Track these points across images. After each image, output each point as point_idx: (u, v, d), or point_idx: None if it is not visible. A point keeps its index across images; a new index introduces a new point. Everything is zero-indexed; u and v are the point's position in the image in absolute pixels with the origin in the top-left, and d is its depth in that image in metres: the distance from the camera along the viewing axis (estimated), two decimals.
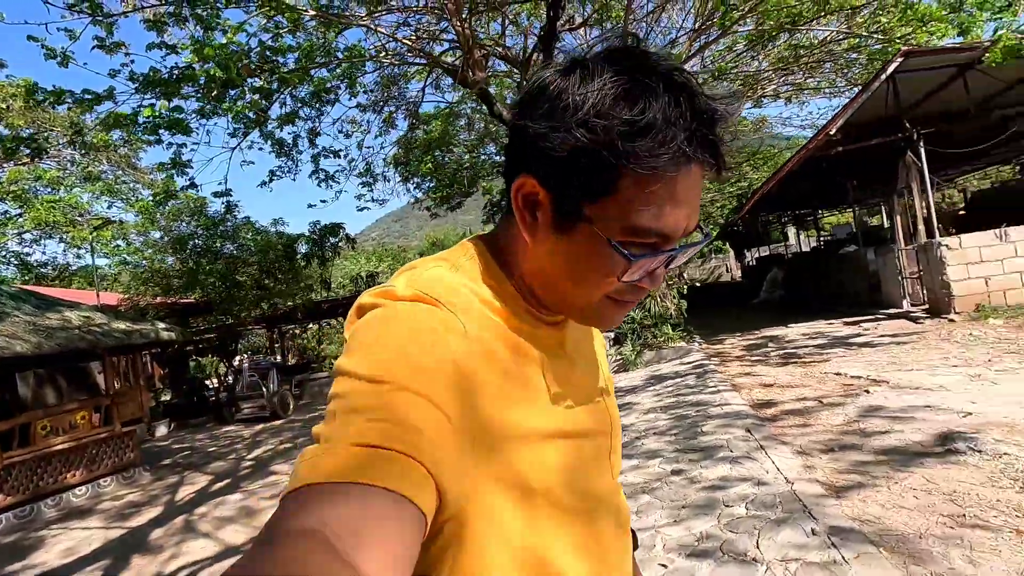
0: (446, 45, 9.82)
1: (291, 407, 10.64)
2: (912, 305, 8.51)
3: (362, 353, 0.47)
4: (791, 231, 22.96)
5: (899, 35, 7.95)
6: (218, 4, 5.83)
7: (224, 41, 5.85)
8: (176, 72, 6.01)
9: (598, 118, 0.47)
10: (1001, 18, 5.87)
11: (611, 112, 0.47)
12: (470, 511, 0.48)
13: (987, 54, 6.04)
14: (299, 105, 9.22)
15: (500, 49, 9.70)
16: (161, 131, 6.36)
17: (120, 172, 16.80)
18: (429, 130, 12.28)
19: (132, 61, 6.65)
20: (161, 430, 10.69)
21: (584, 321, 0.60)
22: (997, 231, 7.46)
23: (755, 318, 11.85)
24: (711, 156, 0.50)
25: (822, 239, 17.17)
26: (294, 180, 10.42)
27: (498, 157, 12.66)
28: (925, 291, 8.16)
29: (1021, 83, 7.92)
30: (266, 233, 12.40)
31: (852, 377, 5.35)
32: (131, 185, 17.09)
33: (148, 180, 16.52)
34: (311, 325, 20.73)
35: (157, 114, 6.07)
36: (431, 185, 13.21)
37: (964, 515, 2.53)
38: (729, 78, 8.45)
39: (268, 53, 6.82)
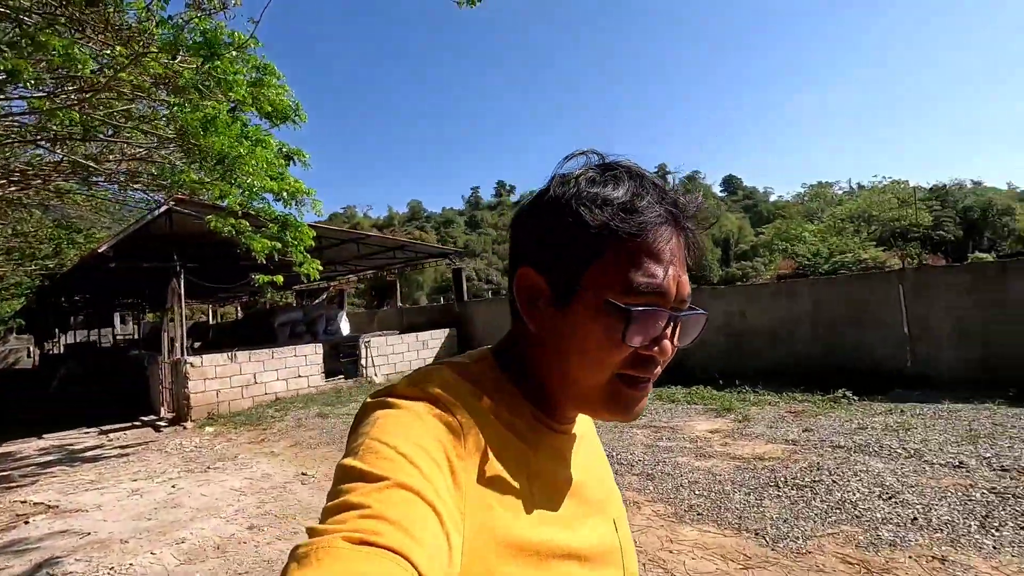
0: None
1: None
2: (168, 412, 9.65)
3: (358, 452, 0.48)
4: (117, 318, 21.91)
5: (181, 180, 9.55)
6: None
7: None
8: None
9: (578, 199, 0.56)
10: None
11: (588, 192, 0.56)
12: None
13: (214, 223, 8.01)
14: None
15: None
16: None
17: None
18: None
19: None
20: None
21: (603, 409, 0.58)
22: (229, 353, 9.65)
23: (13, 427, 10.34)
24: (676, 224, 0.57)
25: (119, 337, 17.20)
26: None
27: None
28: (175, 401, 9.46)
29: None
30: None
31: (34, 504, 5.48)
32: None
33: None
34: None
35: None
36: None
37: None
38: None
39: None
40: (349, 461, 0.47)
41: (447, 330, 13.29)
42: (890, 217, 36.91)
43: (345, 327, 14.54)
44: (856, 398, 6.84)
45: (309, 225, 9.26)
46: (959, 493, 3.73)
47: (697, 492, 4.24)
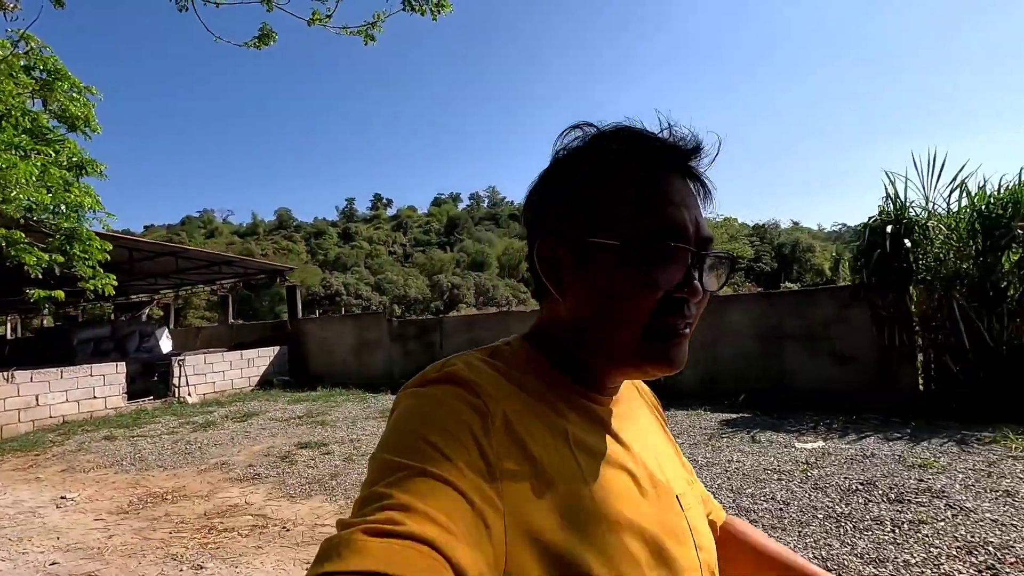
0: None
1: None
2: None
3: (387, 443, 0.48)
4: None
5: None
6: None
7: None
8: None
9: (579, 161, 0.58)
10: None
11: (589, 154, 0.58)
12: None
13: None
14: None
15: None
16: None
17: None
18: None
19: None
20: None
21: (646, 363, 0.56)
22: (5, 373, 8.80)
23: None
24: (681, 166, 0.58)
25: None
26: None
27: None
28: None
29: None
30: None
31: None
32: None
33: None
34: None
35: None
36: None
37: None
38: None
39: None
40: (378, 453, 0.47)
41: (277, 348, 13.06)
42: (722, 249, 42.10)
43: (166, 344, 13.67)
44: None
45: (110, 236, 8.86)
46: None
47: None
